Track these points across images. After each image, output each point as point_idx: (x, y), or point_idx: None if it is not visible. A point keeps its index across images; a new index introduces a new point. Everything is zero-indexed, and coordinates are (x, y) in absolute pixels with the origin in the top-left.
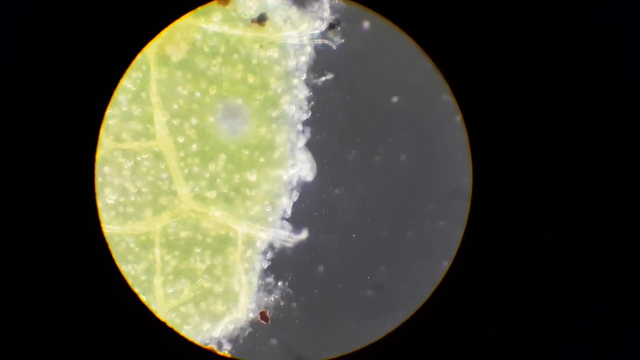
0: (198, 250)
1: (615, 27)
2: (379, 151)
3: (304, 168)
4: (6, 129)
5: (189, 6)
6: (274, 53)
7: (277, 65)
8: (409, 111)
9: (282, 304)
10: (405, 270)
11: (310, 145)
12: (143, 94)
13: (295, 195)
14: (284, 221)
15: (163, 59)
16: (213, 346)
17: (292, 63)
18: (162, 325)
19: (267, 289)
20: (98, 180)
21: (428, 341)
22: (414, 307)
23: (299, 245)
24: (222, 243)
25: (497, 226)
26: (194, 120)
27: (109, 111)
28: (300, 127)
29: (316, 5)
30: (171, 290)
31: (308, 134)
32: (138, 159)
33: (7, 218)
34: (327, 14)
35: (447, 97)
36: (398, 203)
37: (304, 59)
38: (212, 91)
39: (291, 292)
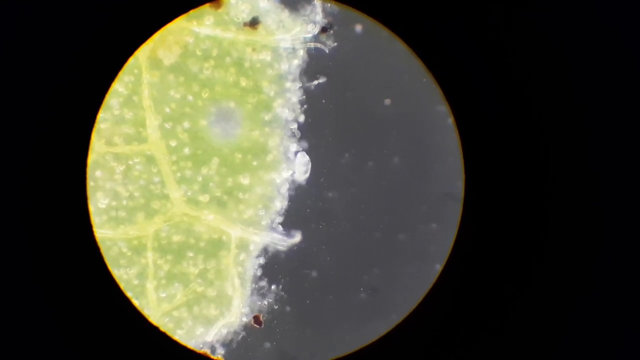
0: (191, 254)
1: (614, 32)
2: (372, 154)
3: (298, 170)
4: None
5: (181, 9)
6: (266, 56)
7: (270, 68)
8: (402, 114)
9: (275, 307)
10: (398, 273)
11: (303, 148)
12: (135, 98)
13: (288, 199)
14: (277, 224)
15: (155, 63)
16: (206, 350)
17: (284, 66)
18: (154, 329)
19: (261, 293)
20: (90, 184)
21: (422, 343)
22: (408, 309)
23: (293, 249)
24: (215, 247)
25: (490, 229)
26: (186, 124)
27: (100, 115)
28: (293, 130)
29: (309, 8)
30: (164, 295)
31: (301, 137)
32: (130, 162)
33: None
34: (319, 17)
35: (439, 100)
36: (391, 206)
37: (296, 62)
38: (205, 94)
39: (285, 295)
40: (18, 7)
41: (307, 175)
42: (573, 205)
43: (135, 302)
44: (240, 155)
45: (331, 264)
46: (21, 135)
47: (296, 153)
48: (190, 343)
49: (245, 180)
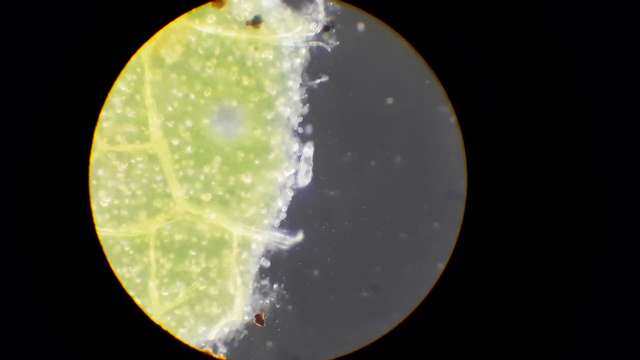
0: (193, 252)
1: (613, 31)
2: (374, 153)
3: (300, 174)
4: None
5: (184, 8)
6: (268, 55)
7: (272, 67)
8: (404, 113)
9: (277, 306)
10: (400, 272)
11: (305, 147)
12: (137, 97)
13: (290, 198)
14: (279, 223)
15: (157, 61)
16: (208, 349)
17: (287, 65)
18: (157, 328)
19: (263, 292)
20: (92, 183)
21: (424, 342)
22: (410, 308)
23: (294, 248)
24: (217, 245)
25: (492, 227)
26: (188, 123)
27: (103, 114)
28: (295, 129)
29: (311, 7)
30: (166, 293)
31: (303, 136)
32: (132, 161)
33: (0, 222)
34: (321, 16)
35: (441, 99)
36: (393, 204)
37: (298, 61)
38: (207, 93)
39: (287, 294)
40: (18, 7)
41: (309, 180)
42: (574, 204)
43: (138, 301)
44: (242, 154)
45: (333, 262)
46: (23, 135)
47: (300, 151)
48: (193, 342)
49: (247, 179)
